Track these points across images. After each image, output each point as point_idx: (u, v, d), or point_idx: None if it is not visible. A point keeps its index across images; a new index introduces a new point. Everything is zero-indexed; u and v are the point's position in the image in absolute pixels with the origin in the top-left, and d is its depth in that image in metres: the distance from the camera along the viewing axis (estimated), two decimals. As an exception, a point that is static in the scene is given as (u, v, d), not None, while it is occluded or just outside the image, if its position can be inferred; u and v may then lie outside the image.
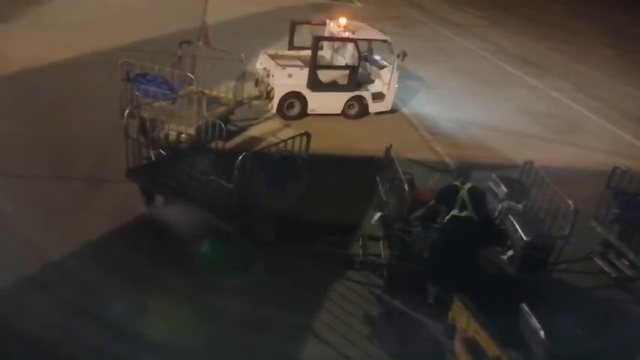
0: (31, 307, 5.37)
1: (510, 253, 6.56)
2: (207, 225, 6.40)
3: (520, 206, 6.98)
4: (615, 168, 7.74)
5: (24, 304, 5.42)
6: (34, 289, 5.62)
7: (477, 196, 6.35)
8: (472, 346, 5.28)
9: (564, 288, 6.98)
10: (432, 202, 6.56)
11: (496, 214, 6.97)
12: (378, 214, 7.16)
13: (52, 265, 5.95)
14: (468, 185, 6.35)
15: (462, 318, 5.60)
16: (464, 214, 6.20)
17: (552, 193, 6.94)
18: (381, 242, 6.97)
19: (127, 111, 7.10)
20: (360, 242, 7.06)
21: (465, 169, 6.68)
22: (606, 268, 7.43)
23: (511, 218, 6.71)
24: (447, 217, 6.28)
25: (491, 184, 7.43)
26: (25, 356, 4.94)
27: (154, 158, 7.51)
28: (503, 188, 7.16)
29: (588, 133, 13.16)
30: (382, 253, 6.85)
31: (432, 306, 6.14)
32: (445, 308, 5.88)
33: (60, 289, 5.67)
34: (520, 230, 6.44)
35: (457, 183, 6.41)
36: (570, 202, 6.49)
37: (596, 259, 7.59)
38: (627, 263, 7.28)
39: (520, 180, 7.53)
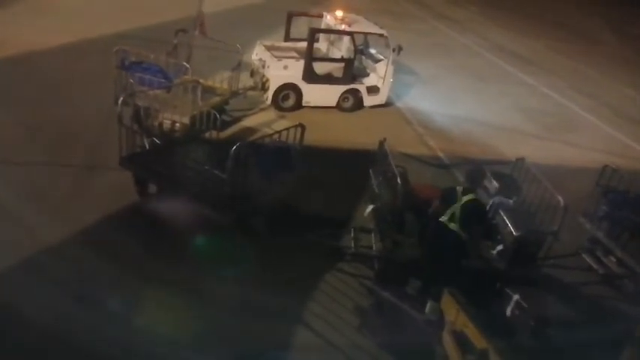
0: (27, 290, 5.41)
1: (500, 247, 6.63)
2: (199, 214, 6.41)
3: (511, 202, 7.05)
4: (605, 166, 7.83)
5: (19, 286, 5.46)
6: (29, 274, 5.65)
7: (471, 212, 5.96)
8: (460, 339, 5.34)
9: (552, 283, 7.06)
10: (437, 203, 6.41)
11: (487, 208, 7.03)
12: (370, 207, 7.20)
13: (45, 251, 5.96)
14: (467, 198, 5.99)
15: (451, 310, 5.65)
16: (451, 225, 5.99)
17: (543, 190, 7.01)
18: (373, 234, 7.02)
19: (121, 99, 7.09)
20: (352, 234, 7.10)
21: (473, 175, 6.51)
22: (594, 265, 7.53)
23: (502, 213, 6.78)
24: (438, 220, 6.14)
25: (484, 179, 7.49)
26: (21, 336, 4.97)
27: (147, 147, 7.50)
28: (495, 184, 7.21)
29: (581, 132, 13.26)
30: (374, 245, 6.91)
31: (414, 298, 6.13)
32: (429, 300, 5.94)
33: (54, 275, 5.69)
34: (510, 225, 6.52)
35: (459, 189, 6.18)
36: (560, 198, 6.56)
37: (584, 256, 7.68)
38: (614, 260, 7.38)
39: (512, 176, 7.60)
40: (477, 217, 6.08)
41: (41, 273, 5.69)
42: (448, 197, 6.21)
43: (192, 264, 6.17)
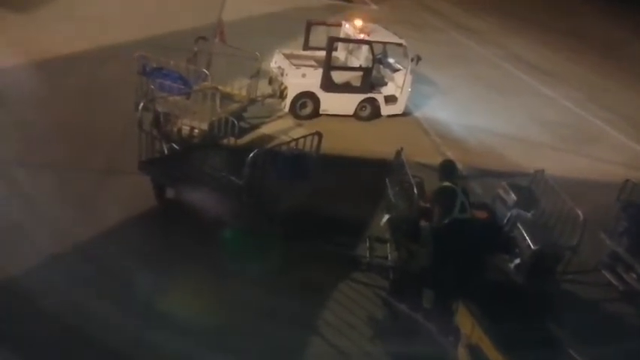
0: (53, 285, 5.52)
1: (518, 261, 6.55)
2: (216, 220, 6.45)
3: (529, 215, 6.97)
4: (627, 181, 7.71)
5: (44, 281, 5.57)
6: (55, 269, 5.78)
7: (468, 197, 6.35)
8: (476, 353, 5.28)
9: (571, 298, 6.95)
10: (430, 206, 6.45)
11: (505, 221, 6.96)
12: (386, 217, 7.17)
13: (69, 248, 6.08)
14: (459, 186, 6.34)
15: (467, 324, 5.60)
16: (465, 216, 6.16)
17: (562, 203, 6.91)
18: (388, 244, 6.99)
19: (142, 104, 7.18)
20: (368, 243, 7.08)
21: (449, 169, 6.60)
22: (614, 281, 7.40)
23: (520, 226, 6.70)
24: (448, 220, 6.15)
25: (501, 192, 7.43)
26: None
27: (166, 152, 7.58)
28: (513, 196, 7.15)
29: (600, 144, 13.09)
30: (389, 255, 6.87)
31: (429, 311, 6.06)
32: (445, 313, 5.88)
33: (80, 271, 5.81)
34: (528, 239, 6.43)
35: (449, 184, 6.31)
36: (580, 212, 6.46)
37: (604, 271, 7.55)
38: (635, 277, 7.24)
39: (530, 188, 7.51)
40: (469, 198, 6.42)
41: (66, 270, 5.79)
42: (444, 195, 6.27)
43: (210, 264, 6.20)
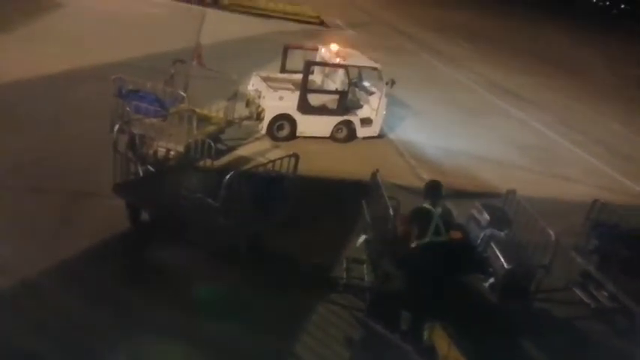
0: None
1: (492, 280, 6.64)
2: (190, 243, 6.41)
3: (502, 234, 7.09)
4: (595, 200, 7.92)
5: None
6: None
7: (448, 218, 6.28)
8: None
9: (544, 317, 7.05)
10: (405, 227, 6.40)
11: (478, 241, 7.07)
12: (362, 237, 7.21)
13: (24, 283, 5.81)
14: (439, 209, 6.17)
15: (443, 344, 5.63)
16: (440, 239, 6.09)
17: (534, 223, 7.06)
18: (365, 265, 7.01)
19: (117, 126, 7.15)
20: (344, 265, 7.09)
21: (433, 190, 6.55)
22: (586, 299, 7.53)
23: (493, 246, 6.81)
24: (422, 243, 6.12)
25: (474, 212, 7.55)
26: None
27: (141, 174, 7.52)
28: (486, 216, 7.27)
29: (571, 166, 13.45)
30: (365, 276, 6.89)
31: (406, 332, 6.05)
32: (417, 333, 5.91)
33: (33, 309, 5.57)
34: (502, 258, 6.54)
35: (427, 206, 6.24)
36: (551, 232, 6.61)
37: (575, 290, 7.68)
38: (606, 294, 7.38)
39: (503, 208, 7.66)
40: (451, 220, 6.41)
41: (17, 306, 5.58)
42: (420, 217, 6.23)
43: (180, 298, 6.09)
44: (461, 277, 6.69)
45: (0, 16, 15.27)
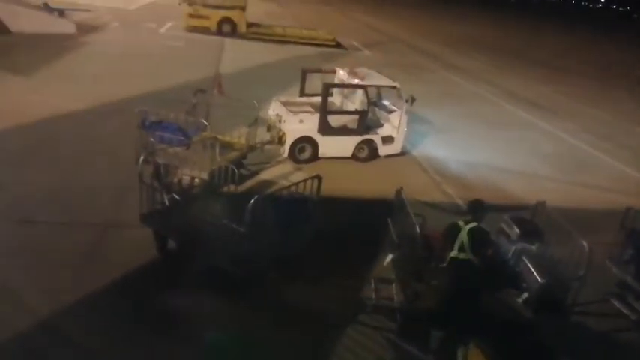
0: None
1: (525, 295, 6.47)
2: (217, 269, 6.42)
3: (534, 247, 6.92)
4: (629, 208, 7.70)
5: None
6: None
7: (478, 237, 6.09)
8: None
9: (581, 331, 6.82)
10: (441, 242, 6.47)
11: (509, 255, 6.92)
12: (390, 257, 7.13)
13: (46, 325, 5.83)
14: (470, 225, 6.14)
15: (479, 362, 5.48)
16: (462, 256, 6.04)
17: (566, 234, 6.88)
18: (394, 285, 6.92)
19: (142, 157, 7.27)
20: (373, 285, 7.01)
21: (474, 208, 6.51)
22: (624, 310, 7.27)
23: (525, 260, 6.65)
24: (447, 259, 6.17)
25: (504, 226, 7.40)
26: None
27: (167, 203, 7.62)
28: (516, 230, 7.12)
29: (599, 173, 13.15)
30: (395, 296, 6.79)
31: (436, 352, 5.95)
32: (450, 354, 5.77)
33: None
34: (535, 272, 6.37)
35: (460, 222, 6.26)
36: (584, 242, 6.43)
37: (613, 301, 7.44)
38: (646, 305, 7.13)
39: (532, 221, 7.50)
40: (483, 240, 6.18)
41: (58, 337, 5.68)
42: (449, 232, 6.28)
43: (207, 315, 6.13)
44: (492, 294, 6.50)
45: (25, 57, 15.88)
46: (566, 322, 6.61)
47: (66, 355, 5.47)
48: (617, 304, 7.36)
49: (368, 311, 6.63)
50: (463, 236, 6.08)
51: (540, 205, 7.58)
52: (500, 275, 6.66)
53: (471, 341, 5.65)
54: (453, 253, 6.08)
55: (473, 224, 6.17)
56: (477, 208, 6.41)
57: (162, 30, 24.12)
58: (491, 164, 12.54)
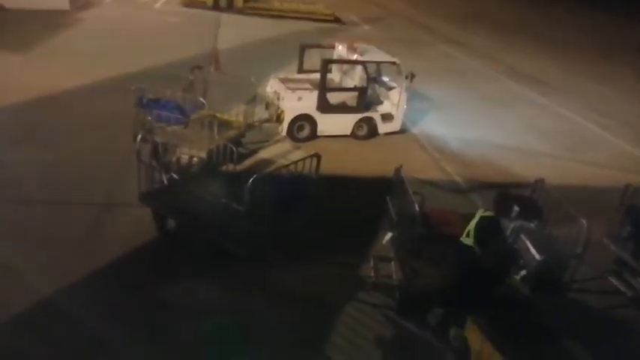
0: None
1: (523, 272, 6.51)
2: (217, 248, 6.44)
3: (532, 225, 6.94)
4: (628, 185, 7.69)
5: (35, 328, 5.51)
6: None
7: (485, 228, 6.00)
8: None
9: (579, 307, 6.88)
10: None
11: (508, 232, 6.93)
12: (389, 235, 7.16)
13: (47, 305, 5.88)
14: (484, 214, 6.07)
15: (476, 339, 5.53)
16: (467, 241, 6.02)
17: (564, 212, 6.89)
18: (393, 263, 6.96)
19: (140, 136, 7.23)
20: (372, 263, 7.05)
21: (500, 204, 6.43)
22: (621, 288, 7.33)
23: (523, 237, 6.68)
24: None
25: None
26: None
27: (166, 182, 7.60)
28: (515, 207, 7.11)
29: (599, 150, 13.10)
30: (393, 274, 6.83)
31: (434, 328, 6.02)
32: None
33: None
34: (533, 249, 6.40)
35: (481, 210, 6.20)
36: (583, 220, 6.44)
37: (610, 278, 7.49)
38: (643, 282, 7.18)
39: (532, 198, 7.50)
40: (490, 230, 6.02)
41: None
42: (469, 217, 6.24)
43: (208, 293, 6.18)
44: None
45: (20, 34, 15.64)
46: (563, 300, 6.67)
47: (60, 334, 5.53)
48: (614, 281, 7.42)
49: (367, 289, 6.68)
50: (473, 224, 6.03)
51: (539, 183, 7.56)
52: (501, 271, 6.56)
53: (469, 318, 5.71)
54: (462, 237, 6.06)
55: (487, 214, 6.07)
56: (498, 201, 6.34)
57: (157, 5, 23.72)
58: (491, 141, 12.48)
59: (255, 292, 6.34)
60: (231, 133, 9.39)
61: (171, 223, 7.17)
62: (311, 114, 10.81)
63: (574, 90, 18.70)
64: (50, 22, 17.48)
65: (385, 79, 12.28)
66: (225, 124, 9.49)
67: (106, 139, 9.50)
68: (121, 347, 5.40)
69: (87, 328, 5.52)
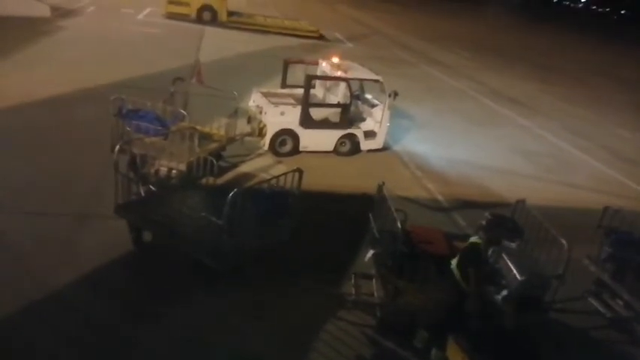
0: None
1: (505, 292, 6.46)
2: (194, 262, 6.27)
3: (514, 245, 6.91)
4: (607, 207, 7.75)
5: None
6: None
7: (467, 254, 6.08)
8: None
9: (559, 328, 6.86)
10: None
11: (489, 253, 6.90)
12: (370, 252, 7.05)
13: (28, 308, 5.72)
14: (471, 240, 6.13)
15: (457, 358, 5.46)
16: (456, 273, 6.05)
17: (545, 232, 6.90)
18: (374, 280, 6.85)
19: (118, 146, 7.05)
20: (353, 280, 6.94)
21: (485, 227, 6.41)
22: (601, 309, 7.35)
23: (505, 257, 6.63)
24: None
25: (484, 223, 7.37)
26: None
27: (143, 194, 7.41)
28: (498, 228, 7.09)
29: (579, 172, 13.30)
30: (375, 292, 6.72)
31: (420, 350, 5.92)
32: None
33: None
34: (514, 269, 6.36)
35: (474, 237, 6.20)
36: (564, 241, 6.44)
37: (590, 299, 7.50)
38: (622, 303, 7.20)
39: (513, 219, 7.49)
40: (469, 258, 6.01)
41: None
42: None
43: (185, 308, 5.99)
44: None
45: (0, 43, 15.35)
46: (544, 319, 6.63)
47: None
48: (594, 302, 7.43)
49: (348, 307, 6.56)
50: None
51: (520, 203, 7.57)
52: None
53: (450, 337, 5.63)
54: (452, 264, 6.05)
55: (473, 239, 6.08)
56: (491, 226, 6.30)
57: (140, 16, 23.61)
58: (472, 161, 12.57)
59: (232, 306, 6.17)
60: (212, 146, 9.24)
61: (147, 236, 6.97)
62: (293, 129, 10.74)
63: (552, 112, 19.07)
64: (30, 29, 17.23)
65: (368, 96, 12.32)
66: (206, 137, 9.35)
67: (83, 149, 9.28)
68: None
69: (60, 339, 5.29)
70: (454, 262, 6.09)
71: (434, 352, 5.77)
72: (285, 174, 6.89)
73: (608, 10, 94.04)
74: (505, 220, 7.13)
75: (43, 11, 19.39)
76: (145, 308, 5.98)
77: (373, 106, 11.93)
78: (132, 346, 5.44)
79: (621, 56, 40.98)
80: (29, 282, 6.02)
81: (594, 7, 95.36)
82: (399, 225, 6.30)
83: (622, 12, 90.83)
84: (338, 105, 11.46)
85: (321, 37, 25.54)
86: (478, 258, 6.07)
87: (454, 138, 14.11)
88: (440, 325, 5.88)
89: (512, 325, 5.91)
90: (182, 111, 9.09)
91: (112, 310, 5.86)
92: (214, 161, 7.67)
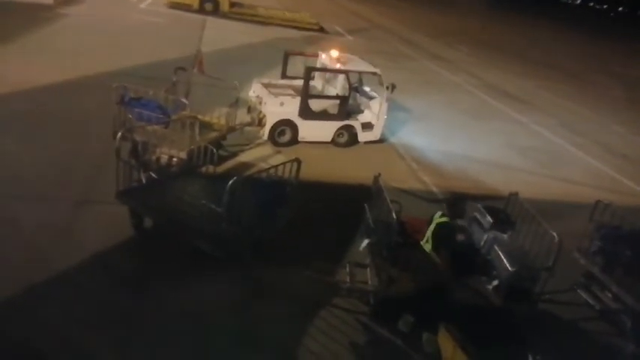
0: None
1: (495, 282, 6.63)
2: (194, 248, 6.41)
3: (505, 236, 7.08)
4: (598, 201, 7.91)
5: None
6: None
7: (440, 234, 6.36)
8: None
9: (548, 319, 7.03)
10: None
11: (482, 243, 7.07)
12: (365, 241, 7.20)
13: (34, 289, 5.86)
14: (440, 219, 6.40)
15: (448, 347, 5.61)
16: (426, 247, 6.27)
17: (537, 225, 7.05)
18: (368, 269, 7.01)
19: (120, 134, 7.16)
20: (347, 269, 7.09)
21: (451, 202, 6.67)
22: (590, 301, 7.52)
23: (496, 248, 6.80)
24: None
25: (477, 214, 7.54)
26: None
27: (144, 181, 7.54)
28: (489, 218, 7.25)
29: (572, 167, 13.46)
30: (369, 280, 6.88)
31: (406, 335, 6.09)
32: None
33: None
34: (505, 260, 6.53)
35: (437, 214, 6.45)
36: (554, 234, 6.59)
37: (579, 291, 7.68)
38: (610, 296, 7.37)
39: (505, 211, 7.65)
40: (443, 238, 6.32)
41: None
42: (429, 222, 6.53)
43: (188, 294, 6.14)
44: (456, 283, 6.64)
45: (1, 30, 15.36)
46: (533, 310, 6.80)
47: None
48: (583, 294, 7.60)
49: (342, 294, 6.71)
50: (431, 229, 6.21)
51: (513, 196, 7.72)
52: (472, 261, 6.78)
53: (441, 325, 5.79)
54: (422, 242, 6.23)
55: (443, 219, 6.29)
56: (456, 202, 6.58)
57: (142, 5, 23.60)
58: (467, 154, 12.71)
59: (230, 294, 6.32)
60: (212, 135, 9.37)
61: (148, 223, 7.11)
62: (293, 119, 10.87)
63: (549, 107, 19.20)
64: (32, 16, 17.23)
65: (366, 88, 12.44)
66: (206, 126, 9.47)
67: (84, 135, 9.39)
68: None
69: (59, 326, 5.44)
70: (428, 245, 6.24)
71: (425, 336, 5.94)
72: (283, 163, 7.03)
73: (605, 7, 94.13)
74: (497, 212, 7.32)
75: (46, -2, 19.38)
76: (147, 290, 6.14)
77: (371, 98, 12.05)
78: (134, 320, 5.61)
79: (617, 53, 41.05)
80: (36, 267, 6.15)
81: (591, 4, 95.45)
82: (393, 215, 6.45)
83: (619, 9, 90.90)
84: (337, 97, 11.58)
85: (321, 30, 25.57)
86: (450, 236, 6.29)
87: (451, 131, 14.24)
88: (427, 309, 6.06)
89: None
90: (183, 100, 9.20)
91: (113, 287, 6.02)
92: (214, 150, 7.79)
